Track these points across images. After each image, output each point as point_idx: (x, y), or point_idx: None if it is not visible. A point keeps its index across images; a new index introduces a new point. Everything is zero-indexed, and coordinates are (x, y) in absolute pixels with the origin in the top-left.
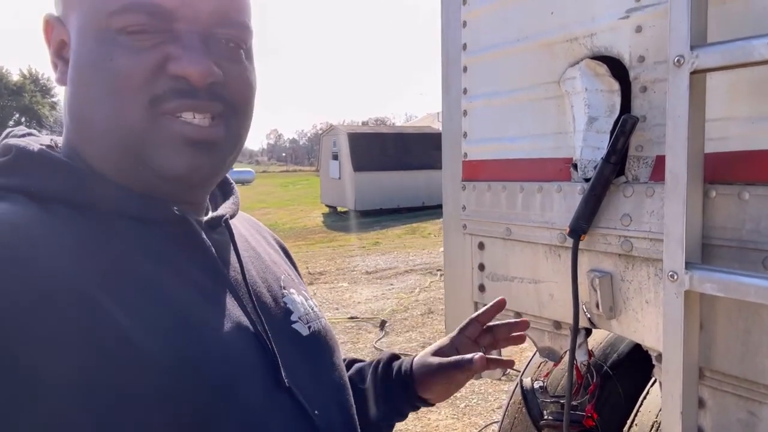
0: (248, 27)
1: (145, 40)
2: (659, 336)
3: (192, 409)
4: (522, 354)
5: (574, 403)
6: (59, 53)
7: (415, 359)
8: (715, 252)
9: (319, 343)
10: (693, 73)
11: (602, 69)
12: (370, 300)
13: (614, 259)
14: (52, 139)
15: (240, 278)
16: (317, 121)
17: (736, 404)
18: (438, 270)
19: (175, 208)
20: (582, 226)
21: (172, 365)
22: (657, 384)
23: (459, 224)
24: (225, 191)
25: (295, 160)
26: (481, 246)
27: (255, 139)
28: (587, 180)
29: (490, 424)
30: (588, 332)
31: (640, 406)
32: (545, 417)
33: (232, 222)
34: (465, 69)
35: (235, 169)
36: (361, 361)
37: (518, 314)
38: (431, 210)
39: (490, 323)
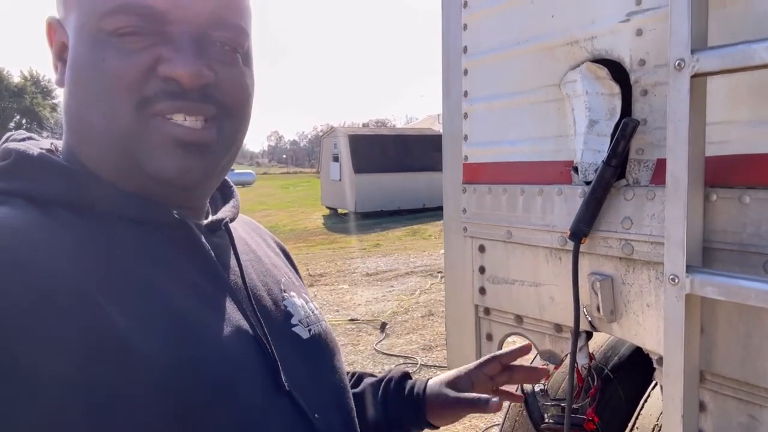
0: (244, 30)
1: (136, 42)
2: (660, 339)
3: (191, 412)
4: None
5: (575, 406)
6: (60, 55)
7: (429, 385)
8: (716, 255)
9: (320, 346)
10: (693, 76)
11: (603, 72)
12: (370, 302)
13: (615, 262)
14: (51, 143)
15: (240, 282)
16: (318, 122)
17: (737, 408)
18: (439, 272)
19: (174, 211)
20: (583, 229)
21: (170, 368)
22: (658, 387)
23: (459, 227)
24: (225, 195)
25: (296, 161)
26: (481, 249)
27: (255, 141)
28: (588, 183)
29: (491, 426)
30: (589, 335)
31: (641, 410)
32: (546, 420)
33: (232, 225)
34: (465, 72)
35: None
36: (371, 375)
37: (518, 317)
38: (432, 212)
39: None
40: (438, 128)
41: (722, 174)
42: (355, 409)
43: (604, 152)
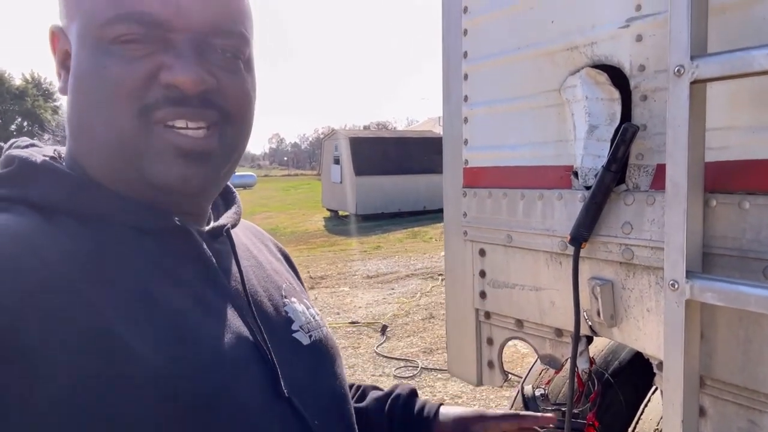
0: (245, 36)
1: (137, 49)
2: (660, 344)
3: (189, 418)
4: (523, 360)
5: (575, 410)
6: (63, 63)
7: (441, 412)
8: (715, 261)
9: (320, 352)
10: (693, 83)
11: (603, 78)
12: (371, 304)
13: (615, 267)
14: (55, 150)
15: (240, 288)
16: (319, 125)
17: (737, 413)
18: (439, 274)
19: (176, 218)
20: (583, 233)
21: (169, 374)
22: (658, 392)
23: (460, 231)
24: (227, 201)
25: (297, 164)
26: (482, 253)
27: (257, 143)
28: (588, 188)
29: None
30: (589, 340)
31: (641, 414)
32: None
33: (233, 231)
34: (466, 77)
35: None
36: (376, 388)
37: (519, 321)
38: (432, 214)
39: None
40: (438, 130)
41: (722, 180)
42: (354, 416)
43: (604, 157)
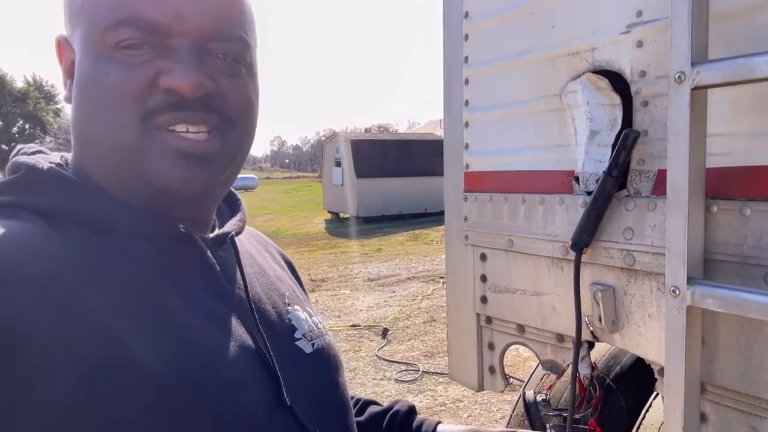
0: (245, 41)
1: (137, 55)
2: (661, 350)
3: (191, 426)
4: (525, 364)
5: (576, 416)
6: (69, 72)
7: (439, 429)
8: (716, 267)
9: (323, 361)
10: (694, 89)
11: (603, 83)
12: (372, 307)
13: (616, 273)
14: (62, 156)
15: (244, 295)
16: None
17: (738, 419)
18: (440, 277)
19: (180, 225)
20: (584, 239)
21: (172, 381)
22: (659, 397)
23: (461, 235)
24: (233, 208)
25: (298, 166)
26: (483, 257)
27: (258, 146)
28: (589, 193)
29: None
30: (591, 345)
31: (642, 420)
32: (548, 430)
33: (238, 238)
34: (467, 81)
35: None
36: (374, 403)
37: (520, 326)
38: (433, 216)
39: None
40: (440, 133)
41: (723, 186)
42: (356, 425)
43: (606, 162)
